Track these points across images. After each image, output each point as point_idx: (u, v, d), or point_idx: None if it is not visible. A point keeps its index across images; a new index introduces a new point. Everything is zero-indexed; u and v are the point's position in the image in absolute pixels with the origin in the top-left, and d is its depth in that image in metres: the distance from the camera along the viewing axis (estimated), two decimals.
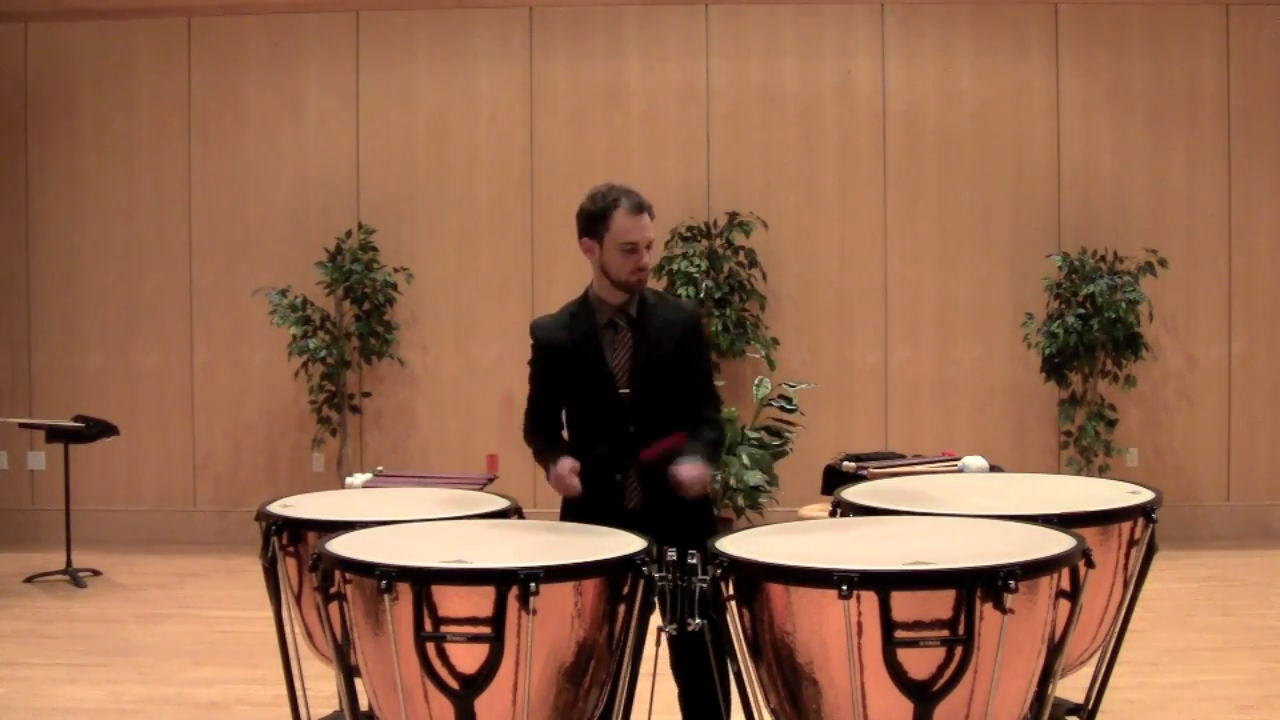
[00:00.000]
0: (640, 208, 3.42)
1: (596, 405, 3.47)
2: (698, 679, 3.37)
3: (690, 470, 3.31)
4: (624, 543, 2.86)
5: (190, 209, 8.21)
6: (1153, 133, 7.97)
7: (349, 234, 8.00)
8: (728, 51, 8.07)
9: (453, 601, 2.57)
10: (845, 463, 4.34)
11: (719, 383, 3.46)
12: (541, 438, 3.59)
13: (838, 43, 8.06)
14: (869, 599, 2.42)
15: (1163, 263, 7.63)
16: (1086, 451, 7.60)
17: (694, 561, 2.76)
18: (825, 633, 2.48)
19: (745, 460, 6.94)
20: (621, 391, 3.44)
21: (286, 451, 8.19)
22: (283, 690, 3.49)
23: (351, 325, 7.90)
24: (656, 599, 2.76)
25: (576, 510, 3.42)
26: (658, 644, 2.86)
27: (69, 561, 7.08)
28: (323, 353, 7.74)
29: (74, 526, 7.24)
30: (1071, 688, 3.43)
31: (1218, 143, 7.95)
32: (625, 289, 3.46)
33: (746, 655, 2.71)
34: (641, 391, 3.44)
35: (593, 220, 3.44)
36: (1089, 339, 7.51)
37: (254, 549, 3.34)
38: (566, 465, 3.36)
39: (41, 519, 8.15)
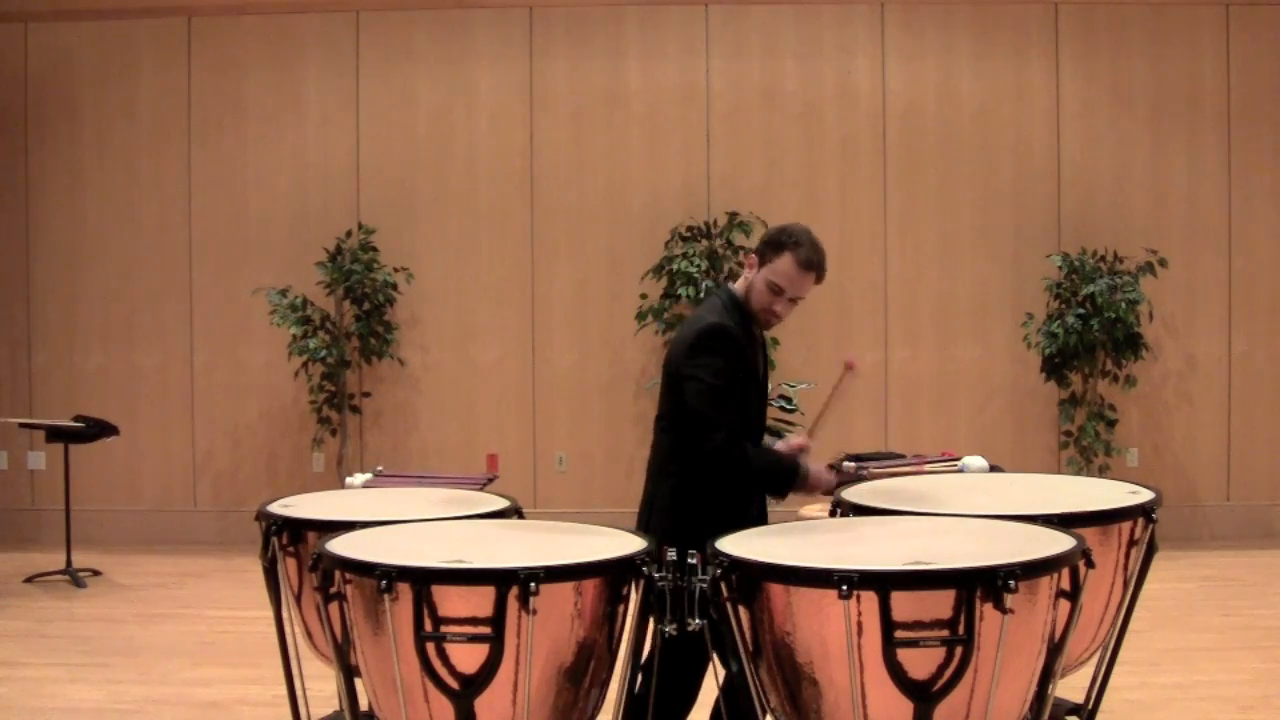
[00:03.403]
0: (810, 265, 3.43)
1: (750, 410, 3.53)
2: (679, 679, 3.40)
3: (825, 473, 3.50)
4: (624, 543, 2.86)
5: (190, 209, 8.22)
6: (1153, 133, 7.97)
7: (349, 234, 8.01)
8: (728, 51, 8.07)
9: (453, 601, 2.57)
10: (845, 463, 4.33)
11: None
12: (757, 450, 3.49)
13: (838, 43, 8.06)
14: (869, 599, 2.42)
15: (1163, 263, 7.63)
16: (1086, 451, 7.60)
17: (694, 562, 2.76)
18: (825, 633, 2.47)
19: None
20: (762, 396, 3.62)
21: (286, 451, 8.19)
22: (283, 690, 3.49)
23: (351, 325, 7.91)
24: (656, 599, 2.76)
25: (700, 518, 3.28)
26: (656, 643, 2.86)
27: (69, 561, 7.08)
28: (323, 353, 7.74)
29: (74, 526, 7.24)
30: (1071, 688, 3.43)
31: (1218, 143, 7.95)
32: (753, 319, 3.52)
33: (747, 655, 2.71)
34: (764, 398, 3.65)
35: (769, 245, 3.48)
36: (1089, 339, 7.51)
37: (254, 549, 3.34)
38: (820, 469, 3.46)
39: (41, 519, 8.15)
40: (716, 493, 3.40)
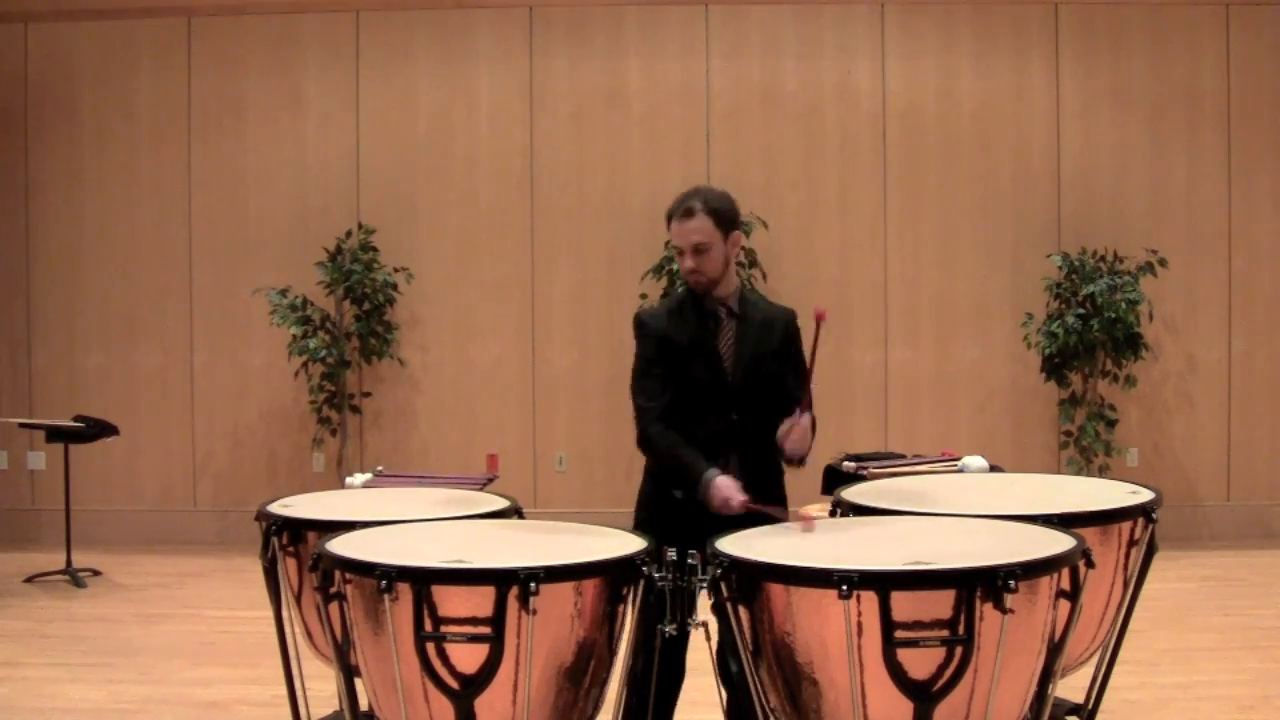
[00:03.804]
0: (681, 212, 3.49)
1: (704, 393, 3.48)
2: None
3: (796, 431, 3.37)
4: (624, 543, 2.86)
5: (190, 209, 8.21)
6: (1153, 133, 7.97)
7: (349, 234, 8.01)
8: (728, 51, 8.07)
9: (453, 601, 2.58)
10: (845, 463, 4.34)
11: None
12: (677, 443, 3.44)
13: (838, 43, 8.06)
14: (869, 599, 2.42)
15: (1163, 263, 7.63)
16: (1086, 451, 7.60)
17: (694, 562, 2.76)
18: (825, 633, 2.48)
19: None
20: (728, 379, 3.51)
21: (286, 451, 8.19)
22: (283, 690, 3.49)
23: (351, 325, 7.90)
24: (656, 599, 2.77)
25: (670, 503, 3.42)
26: (658, 643, 2.86)
27: (69, 561, 7.08)
28: (323, 353, 7.74)
29: (74, 526, 7.24)
30: (1071, 688, 3.43)
31: (1218, 143, 7.95)
32: (705, 299, 3.55)
33: (748, 655, 2.71)
34: (743, 380, 3.52)
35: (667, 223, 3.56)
36: (1089, 339, 7.51)
37: (254, 549, 3.34)
38: (730, 487, 3.29)
39: (41, 519, 8.15)
40: (662, 480, 3.50)
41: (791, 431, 3.37)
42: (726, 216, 3.50)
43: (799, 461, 3.45)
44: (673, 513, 3.38)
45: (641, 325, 3.58)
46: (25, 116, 8.24)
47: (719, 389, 3.49)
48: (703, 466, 3.34)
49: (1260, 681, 5.02)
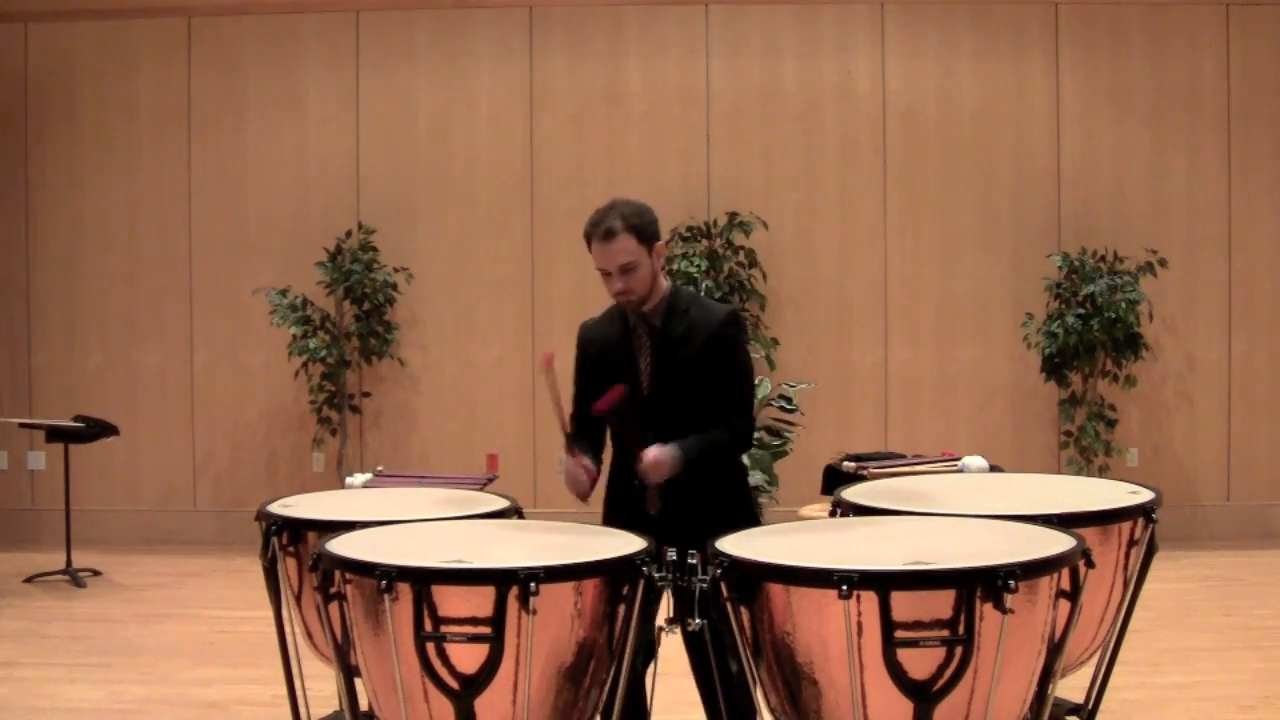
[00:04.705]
0: (605, 234, 3.39)
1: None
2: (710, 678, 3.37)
3: (652, 453, 3.33)
4: (624, 543, 2.86)
5: (190, 209, 8.22)
6: (1153, 133, 7.97)
7: (349, 234, 8.01)
8: (728, 51, 8.07)
9: (453, 601, 2.57)
10: (845, 463, 4.34)
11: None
12: (580, 440, 3.55)
13: (838, 43, 8.06)
14: (869, 599, 2.42)
15: (1163, 263, 7.63)
16: (1086, 451, 7.60)
17: (694, 562, 2.76)
18: (825, 633, 2.47)
19: (745, 460, 6.93)
20: (644, 396, 3.46)
21: (286, 451, 8.19)
22: (283, 690, 3.49)
23: (351, 325, 7.91)
24: (659, 598, 2.77)
25: (610, 517, 3.53)
26: (656, 643, 2.86)
27: (69, 561, 7.08)
28: (323, 353, 7.74)
29: (74, 526, 7.24)
30: (1071, 688, 3.43)
31: (1218, 143, 7.95)
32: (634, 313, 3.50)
33: (748, 655, 2.71)
34: (661, 397, 3.45)
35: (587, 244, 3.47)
36: (1089, 339, 7.51)
37: (254, 549, 3.34)
38: (573, 462, 3.41)
39: (41, 519, 8.15)
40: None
41: (646, 452, 3.35)
42: (648, 231, 3.42)
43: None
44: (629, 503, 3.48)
45: (579, 335, 3.65)
46: (25, 116, 8.24)
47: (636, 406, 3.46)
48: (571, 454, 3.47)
49: (1260, 681, 5.02)
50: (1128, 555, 3.08)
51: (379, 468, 4.49)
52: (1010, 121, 8.02)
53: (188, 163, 8.22)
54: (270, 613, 3.37)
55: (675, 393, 3.45)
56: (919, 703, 2.43)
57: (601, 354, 3.53)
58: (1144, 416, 8.00)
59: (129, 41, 8.21)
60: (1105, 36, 7.97)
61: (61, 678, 5.28)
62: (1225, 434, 8.00)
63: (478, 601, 2.56)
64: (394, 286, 7.93)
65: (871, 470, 4.11)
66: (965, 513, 3.10)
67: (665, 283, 3.53)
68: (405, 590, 2.57)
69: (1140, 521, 3.08)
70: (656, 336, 3.48)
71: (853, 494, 3.35)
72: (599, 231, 3.40)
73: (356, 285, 7.83)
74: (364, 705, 2.93)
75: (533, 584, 2.54)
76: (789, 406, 7.11)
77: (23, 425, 7.57)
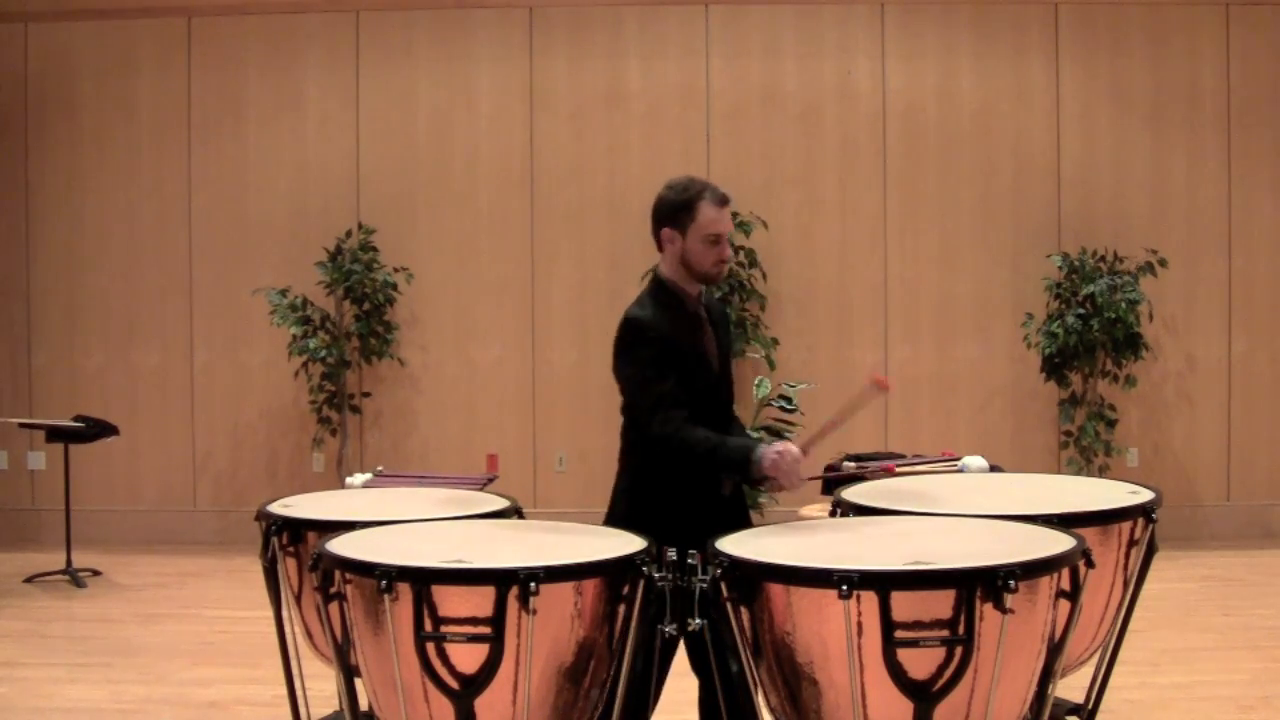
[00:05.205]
0: (725, 200, 3.39)
1: (696, 386, 3.39)
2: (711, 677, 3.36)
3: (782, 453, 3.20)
4: (624, 543, 2.86)
5: (190, 209, 8.21)
6: (1153, 133, 7.97)
7: (349, 234, 8.00)
8: (728, 51, 8.07)
9: (453, 601, 2.57)
10: (845, 463, 4.34)
11: None
12: (706, 434, 3.28)
13: (838, 43, 8.06)
14: (869, 599, 2.42)
15: (1163, 263, 7.63)
16: (1086, 451, 7.60)
17: (694, 562, 2.76)
18: (825, 633, 2.48)
19: None
20: (717, 380, 3.50)
21: (286, 451, 8.19)
22: (283, 690, 3.49)
23: (351, 325, 7.91)
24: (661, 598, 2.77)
25: (658, 512, 3.29)
26: (659, 642, 2.86)
27: (69, 561, 7.08)
28: (323, 353, 7.74)
29: (74, 526, 7.24)
30: (1071, 688, 3.43)
31: (1218, 143, 7.95)
32: (705, 280, 3.45)
33: (748, 655, 2.71)
34: (723, 378, 3.54)
35: (676, 210, 3.37)
36: (1089, 339, 7.51)
37: (254, 549, 3.34)
38: (794, 453, 3.14)
39: (41, 519, 8.15)
40: (672, 480, 3.38)
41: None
42: None
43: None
44: (682, 509, 3.30)
45: (645, 328, 3.45)
46: (25, 116, 8.24)
47: (710, 390, 3.46)
48: (751, 443, 3.26)
49: (1260, 681, 5.02)
50: (1128, 555, 3.09)
51: (379, 468, 4.49)
52: (1010, 121, 8.02)
53: (188, 163, 8.21)
54: (270, 613, 3.37)
55: (728, 376, 3.56)
56: (919, 703, 2.43)
57: (674, 340, 3.42)
58: (1144, 416, 8.00)
59: (129, 41, 8.21)
60: (1105, 37, 7.97)
61: (61, 678, 5.28)
62: (1225, 434, 8.00)
63: (478, 601, 2.56)
64: (394, 286, 7.93)
65: (871, 470, 4.10)
66: (965, 513, 3.11)
67: None
68: (405, 590, 2.57)
69: (1140, 521, 3.08)
70: (712, 319, 3.54)
71: (853, 494, 3.36)
72: (718, 195, 3.36)
73: (356, 285, 7.83)
74: (364, 705, 2.93)
75: (533, 584, 2.54)
76: (789, 406, 7.11)
77: (23, 425, 7.56)
